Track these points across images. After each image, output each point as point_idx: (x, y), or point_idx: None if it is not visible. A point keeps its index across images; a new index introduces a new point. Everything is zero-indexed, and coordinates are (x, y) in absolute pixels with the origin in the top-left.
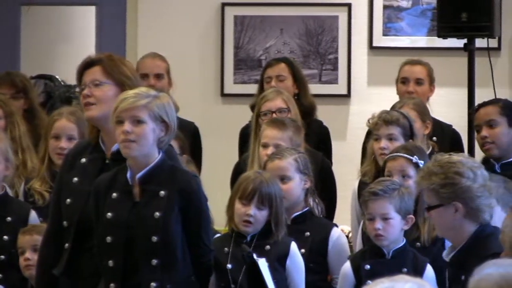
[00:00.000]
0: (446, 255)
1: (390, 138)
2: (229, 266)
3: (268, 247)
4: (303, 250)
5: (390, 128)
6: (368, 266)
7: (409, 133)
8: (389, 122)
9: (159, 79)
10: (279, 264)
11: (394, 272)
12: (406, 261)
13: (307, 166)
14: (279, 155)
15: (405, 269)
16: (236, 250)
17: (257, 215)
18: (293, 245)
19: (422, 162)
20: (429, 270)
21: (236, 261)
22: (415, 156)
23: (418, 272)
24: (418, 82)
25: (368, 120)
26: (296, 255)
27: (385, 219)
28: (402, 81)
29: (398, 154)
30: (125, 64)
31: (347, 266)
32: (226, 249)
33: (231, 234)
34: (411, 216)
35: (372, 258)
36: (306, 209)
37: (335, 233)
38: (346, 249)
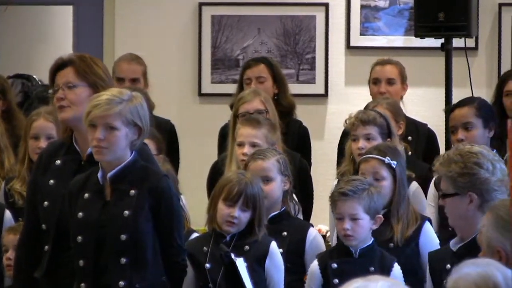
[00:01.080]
0: (453, 245)
1: (368, 138)
2: (207, 265)
3: (247, 247)
4: (280, 250)
5: (367, 128)
6: (335, 265)
7: (387, 132)
8: (366, 122)
9: (134, 83)
10: (258, 265)
11: (361, 271)
12: (373, 260)
13: (287, 167)
14: (262, 156)
15: (372, 268)
16: (215, 250)
17: (241, 216)
18: (273, 245)
19: (395, 162)
20: (396, 269)
21: (214, 261)
22: (387, 157)
23: (385, 271)
24: (390, 82)
25: (345, 121)
26: (275, 254)
27: (354, 219)
28: (374, 82)
29: (370, 155)
30: (97, 64)
31: (314, 264)
32: (205, 248)
33: (210, 234)
34: (380, 216)
35: (340, 257)
36: (283, 209)
37: (312, 233)
38: (323, 249)
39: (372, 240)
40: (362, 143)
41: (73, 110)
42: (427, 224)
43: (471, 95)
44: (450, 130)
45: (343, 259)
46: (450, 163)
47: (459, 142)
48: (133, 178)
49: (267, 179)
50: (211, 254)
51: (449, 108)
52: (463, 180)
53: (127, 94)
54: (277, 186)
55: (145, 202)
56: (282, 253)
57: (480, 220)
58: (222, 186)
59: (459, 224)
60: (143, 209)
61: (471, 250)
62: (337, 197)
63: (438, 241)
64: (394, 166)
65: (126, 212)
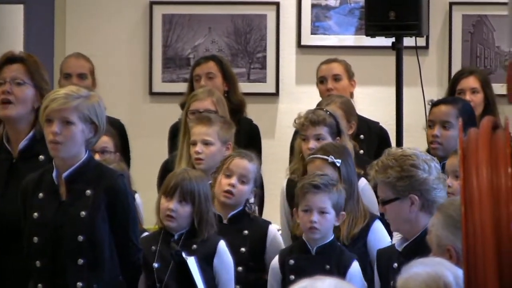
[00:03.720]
0: (399, 246)
1: (318, 138)
2: (155, 265)
3: (195, 246)
4: (243, 249)
5: (317, 128)
6: (292, 261)
7: (336, 131)
8: (315, 123)
9: (82, 79)
10: (206, 263)
11: (317, 268)
12: (331, 257)
13: (259, 180)
14: (249, 158)
15: (327, 266)
16: (163, 249)
17: (179, 210)
18: (221, 244)
19: (339, 161)
20: (355, 266)
21: (163, 260)
22: (330, 156)
23: (341, 269)
24: (336, 78)
25: (295, 120)
26: (224, 253)
27: (322, 212)
28: (321, 80)
29: (315, 156)
30: (44, 69)
31: (275, 260)
32: (153, 247)
33: (159, 233)
34: (343, 213)
35: (298, 253)
36: (240, 208)
37: (272, 230)
38: (283, 247)
39: (333, 237)
40: (312, 143)
41: (16, 108)
42: (376, 223)
43: (422, 94)
44: (427, 123)
45: (300, 255)
46: (386, 168)
47: (434, 138)
48: (88, 177)
49: (244, 181)
50: (160, 253)
51: (433, 101)
52: (402, 183)
53: (84, 91)
54: (248, 191)
55: (101, 202)
56: (244, 252)
57: (423, 220)
58: (164, 181)
59: (403, 228)
60: (99, 209)
61: (416, 248)
62: (308, 189)
63: (389, 240)
64: (338, 164)
65: (83, 213)
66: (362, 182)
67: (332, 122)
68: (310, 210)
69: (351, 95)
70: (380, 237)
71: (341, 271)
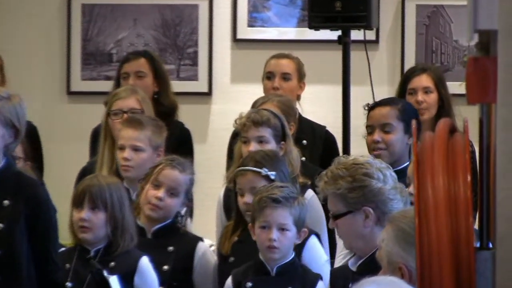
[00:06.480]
0: (352, 265)
1: (260, 140)
2: (68, 284)
3: (113, 263)
4: (166, 267)
5: (260, 130)
6: (250, 284)
7: (281, 134)
8: (258, 123)
9: None
10: (125, 282)
11: None
12: (293, 278)
13: (191, 190)
14: (181, 167)
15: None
16: (78, 267)
17: (92, 218)
18: (144, 260)
19: (274, 173)
20: (320, 286)
21: (77, 279)
22: (264, 168)
23: None
24: (285, 77)
25: (235, 121)
26: (146, 271)
27: (282, 229)
28: (268, 76)
29: (245, 168)
30: None
31: (228, 282)
32: (67, 265)
33: (74, 249)
34: (305, 229)
35: (255, 275)
36: (167, 222)
37: (201, 248)
38: (212, 265)
39: (293, 255)
40: (254, 146)
41: None
42: (312, 239)
43: (372, 93)
44: (366, 129)
45: (259, 277)
46: (336, 179)
47: (375, 143)
48: (6, 186)
49: (173, 193)
50: (74, 271)
51: (370, 105)
52: (354, 195)
53: (5, 92)
54: (178, 204)
55: (20, 213)
56: (167, 270)
57: (379, 235)
58: (73, 191)
59: (357, 245)
60: (18, 221)
61: (372, 266)
62: (266, 203)
63: (326, 258)
64: (273, 177)
65: (0, 225)
66: (309, 193)
67: (277, 123)
68: (269, 227)
69: (298, 97)
70: (315, 254)
71: None
